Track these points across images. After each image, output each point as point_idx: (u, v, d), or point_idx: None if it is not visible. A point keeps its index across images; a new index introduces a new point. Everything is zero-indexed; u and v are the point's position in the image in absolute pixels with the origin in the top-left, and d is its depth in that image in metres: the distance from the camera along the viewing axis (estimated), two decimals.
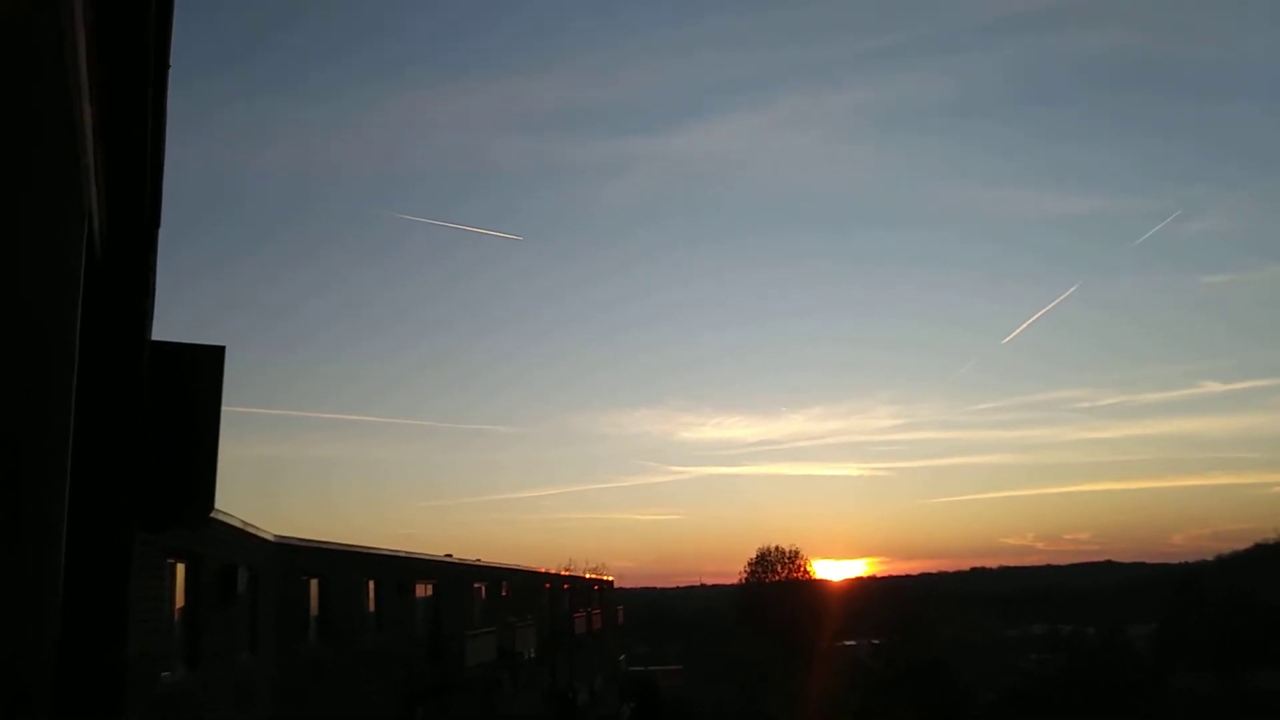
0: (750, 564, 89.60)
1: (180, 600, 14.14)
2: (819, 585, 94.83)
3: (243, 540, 16.66)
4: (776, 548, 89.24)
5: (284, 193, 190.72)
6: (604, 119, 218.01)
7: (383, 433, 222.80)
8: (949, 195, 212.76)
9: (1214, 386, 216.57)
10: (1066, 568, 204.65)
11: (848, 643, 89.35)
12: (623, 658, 66.74)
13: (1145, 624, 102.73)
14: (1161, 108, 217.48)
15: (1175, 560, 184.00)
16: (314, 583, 20.94)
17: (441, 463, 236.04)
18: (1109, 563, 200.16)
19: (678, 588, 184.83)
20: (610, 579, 70.09)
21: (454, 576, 31.42)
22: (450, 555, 32.93)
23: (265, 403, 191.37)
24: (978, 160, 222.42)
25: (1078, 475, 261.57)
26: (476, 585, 34.41)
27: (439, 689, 27.43)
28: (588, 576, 62.96)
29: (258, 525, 17.99)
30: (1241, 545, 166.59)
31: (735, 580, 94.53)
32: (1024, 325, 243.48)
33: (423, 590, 28.19)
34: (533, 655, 38.72)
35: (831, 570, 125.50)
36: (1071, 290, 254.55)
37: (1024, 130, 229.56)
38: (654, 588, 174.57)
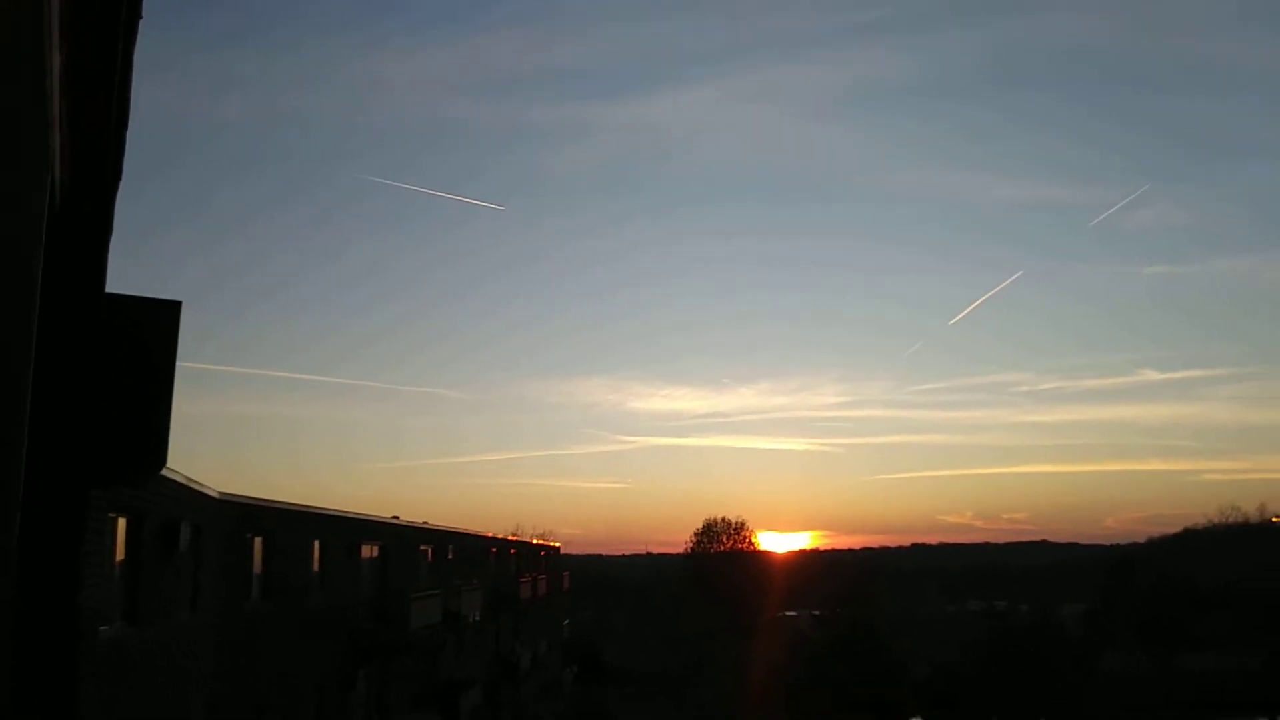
0: (696, 534, 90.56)
1: (120, 555, 13.95)
2: (763, 557, 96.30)
3: (186, 496, 16.46)
4: (722, 519, 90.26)
5: (246, 148, 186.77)
6: (567, 83, 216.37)
7: (337, 394, 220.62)
8: (905, 177, 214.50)
9: (1153, 375, 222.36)
10: (1003, 546, 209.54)
11: (789, 613, 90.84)
12: (566, 622, 67.24)
13: (1077, 603, 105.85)
14: (1117, 98, 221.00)
15: (1108, 542, 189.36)
16: (258, 541, 20.77)
17: (394, 426, 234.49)
18: (1044, 542, 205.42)
19: (624, 555, 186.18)
20: (557, 545, 70.47)
21: (400, 538, 31.35)
22: (397, 517, 32.84)
23: (222, 360, 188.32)
24: (934, 143, 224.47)
25: (1017, 457, 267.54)
26: (423, 548, 34.37)
27: (383, 650, 27.44)
28: (535, 542, 63.20)
29: (202, 482, 17.78)
30: (1172, 529, 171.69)
31: (681, 550, 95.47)
32: (970, 308, 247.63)
33: (369, 551, 28.10)
34: (478, 619, 38.84)
35: (776, 542, 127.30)
36: (1017, 275, 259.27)
37: (980, 115, 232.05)
38: (601, 555, 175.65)
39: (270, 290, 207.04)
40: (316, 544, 23.92)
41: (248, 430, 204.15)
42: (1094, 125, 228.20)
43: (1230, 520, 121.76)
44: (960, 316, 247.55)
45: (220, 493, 18.89)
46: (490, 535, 47.69)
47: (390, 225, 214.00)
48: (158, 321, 5.58)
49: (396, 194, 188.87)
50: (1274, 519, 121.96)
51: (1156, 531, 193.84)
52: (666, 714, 63.51)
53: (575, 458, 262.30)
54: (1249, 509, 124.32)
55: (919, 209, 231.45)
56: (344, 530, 26.03)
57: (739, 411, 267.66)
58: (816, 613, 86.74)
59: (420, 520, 35.97)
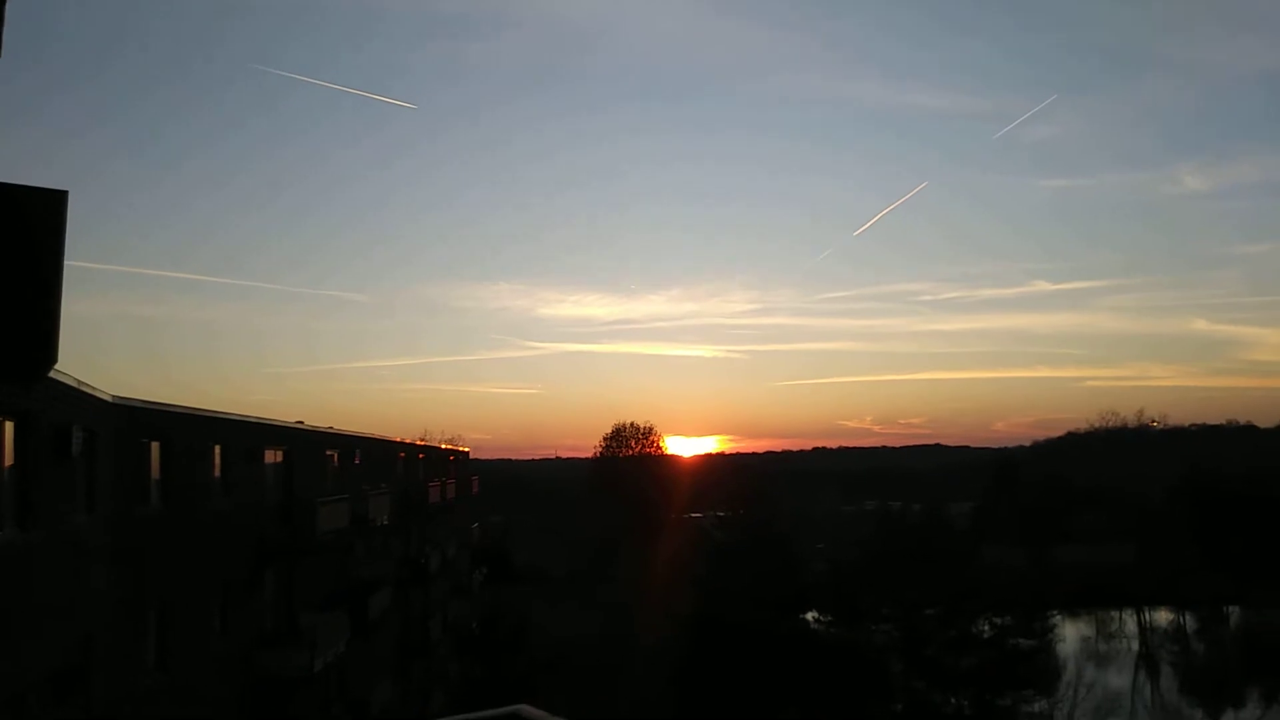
0: (605, 439, 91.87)
1: (9, 460, 13.56)
2: (670, 460, 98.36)
3: (78, 399, 15.97)
4: (631, 424, 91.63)
5: (150, 38, 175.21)
6: None
7: (238, 297, 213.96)
8: (813, 84, 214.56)
9: (1044, 285, 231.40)
10: (899, 449, 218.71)
11: (695, 514, 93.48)
12: (476, 525, 67.92)
13: (965, 502, 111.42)
14: (1023, 7, 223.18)
15: (996, 445, 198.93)
16: (155, 446, 20.34)
17: (299, 330, 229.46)
18: (938, 445, 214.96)
19: (533, 460, 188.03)
20: (466, 450, 70.63)
21: (305, 443, 31.04)
22: (302, 422, 32.45)
23: (118, 259, 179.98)
24: (843, 50, 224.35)
25: (914, 364, 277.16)
26: (329, 452, 34.11)
27: (288, 552, 27.42)
28: (443, 447, 63.23)
29: (95, 385, 17.26)
30: (1056, 433, 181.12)
31: (590, 454, 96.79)
32: (876, 218, 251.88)
33: (273, 456, 27.77)
34: (386, 523, 38.96)
35: (683, 446, 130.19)
36: (921, 187, 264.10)
37: (888, 24, 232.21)
38: (510, 459, 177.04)
39: (168, 189, 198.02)
40: (217, 449, 23.53)
41: (147, 334, 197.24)
42: (1005, 33, 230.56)
43: (1110, 424, 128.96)
44: (866, 226, 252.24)
45: (114, 396, 18.37)
46: (398, 440, 47.54)
47: (296, 122, 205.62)
48: (43, 211, 5.34)
49: (304, 89, 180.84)
50: (1151, 423, 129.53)
51: (1042, 435, 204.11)
52: (575, 612, 65.27)
53: (484, 363, 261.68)
54: (1128, 414, 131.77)
55: (830, 114, 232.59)
56: (246, 434, 25.63)
57: (649, 318, 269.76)
58: (721, 514, 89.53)
59: (326, 425, 35.63)
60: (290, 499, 28.21)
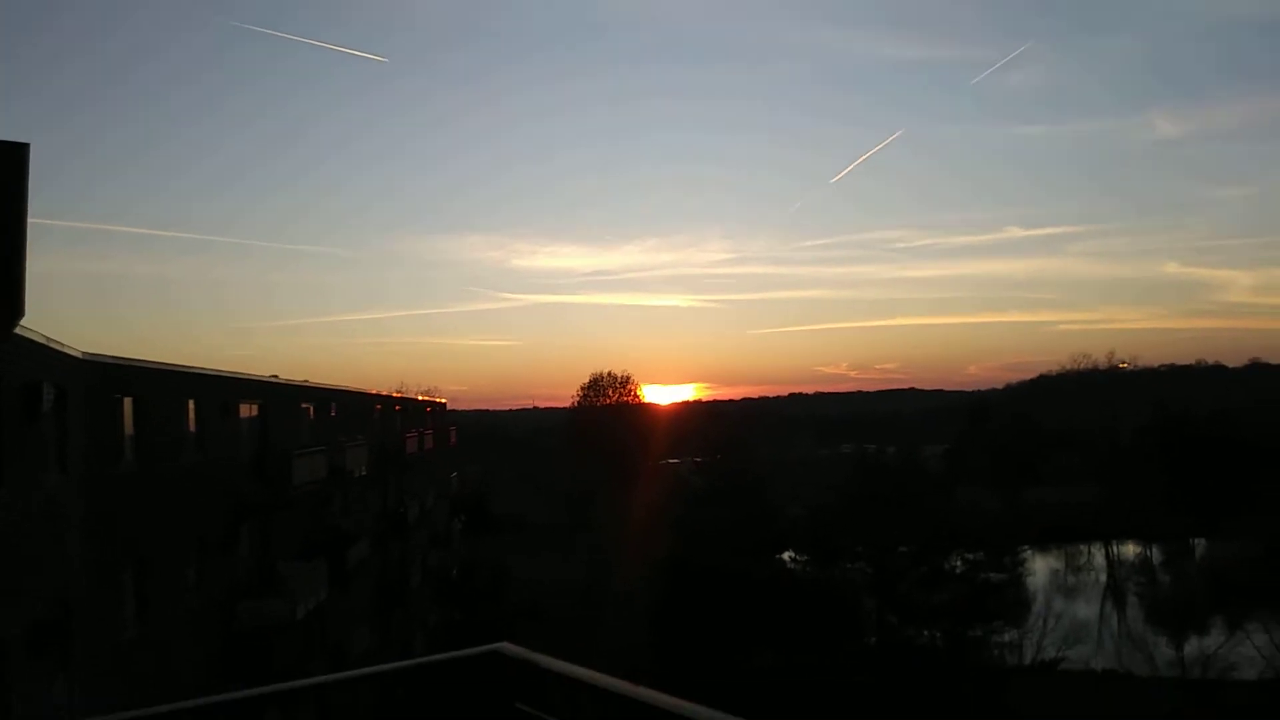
0: (582, 388, 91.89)
1: None
2: (648, 409, 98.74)
3: (46, 356, 15.82)
4: (608, 373, 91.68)
5: None
6: None
7: (208, 250, 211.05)
8: (788, 33, 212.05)
9: (1016, 231, 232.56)
10: (875, 394, 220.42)
11: (672, 461, 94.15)
12: (454, 475, 68.17)
13: (940, 445, 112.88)
14: None
15: (970, 388, 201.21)
16: (128, 402, 20.21)
17: (270, 283, 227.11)
18: (912, 390, 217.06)
19: (511, 410, 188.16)
20: (443, 401, 70.62)
21: (280, 397, 30.94)
22: (276, 376, 32.32)
23: (67, 215, 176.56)
24: (819, 1, 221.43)
25: (891, 310, 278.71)
26: (304, 405, 34.04)
27: (265, 506, 27.47)
28: (420, 398, 63.18)
29: (64, 342, 17.08)
30: (1028, 376, 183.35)
31: (568, 404, 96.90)
32: (850, 166, 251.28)
33: (247, 410, 27.69)
34: (363, 474, 39.04)
35: (660, 395, 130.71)
36: (896, 134, 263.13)
37: None
38: (488, 410, 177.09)
39: (119, 142, 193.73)
40: (191, 404, 23.42)
41: (103, 291, 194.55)
42: None
43: (1081, 367, 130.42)
44: (842, 174, 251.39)
45: (84, 353, 18.21)
46: (374, 393, 47.45)
47: (257, 73, 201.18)
48: (4, 163, 5.25)
49: (265, 40, 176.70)
50: (1121, 365, 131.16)
51: (1014, 378, 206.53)
52: (554, 560, 65.93)
53: (459, 316, 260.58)
54: (1099, 357, 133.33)
55: (805, 65, 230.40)
56: (219, 389, 25.51)
57: (625, 269, 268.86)
58: (698, 460, 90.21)
59: (301, 379, 35.49)
60: (266, 452, 28.20)
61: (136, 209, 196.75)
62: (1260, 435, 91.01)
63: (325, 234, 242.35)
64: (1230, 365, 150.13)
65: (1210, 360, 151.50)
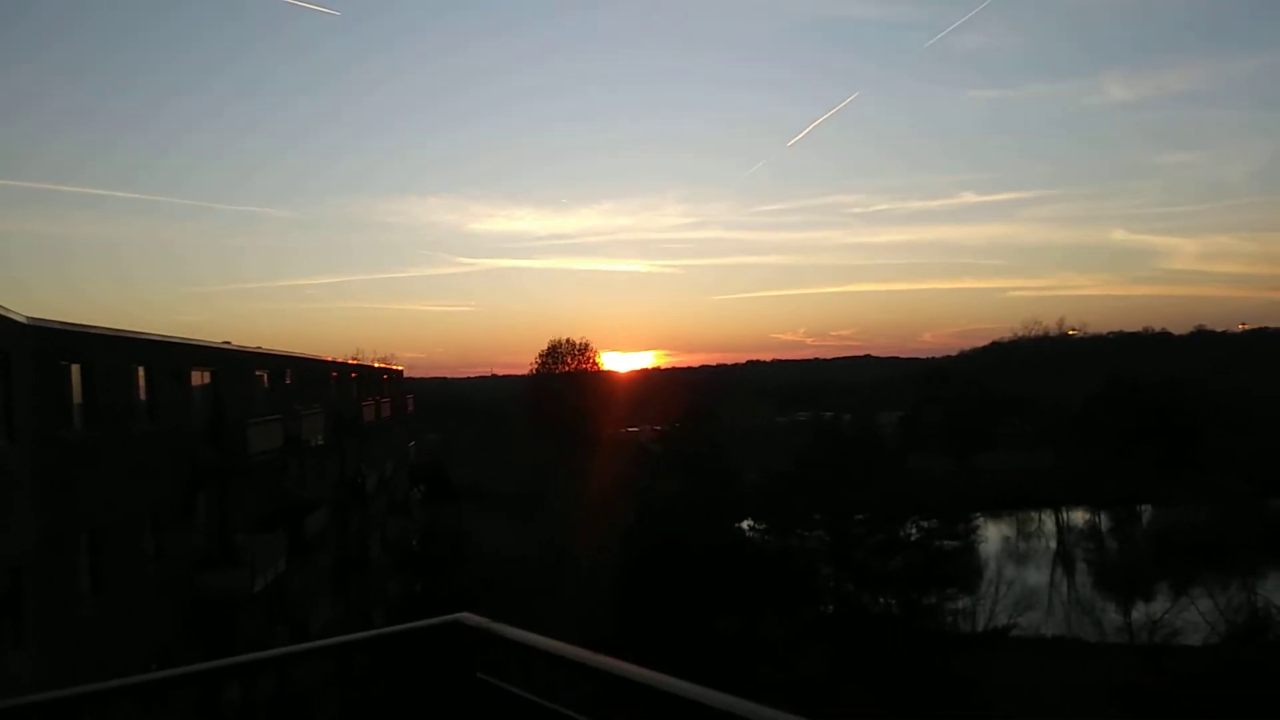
0: (541, 355, 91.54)
1: None
2: (607, 376, 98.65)
3: None
4: (567, 340, 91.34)
5: None
6: None
7: (159, 211, 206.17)
8: None
9: (971, 197, 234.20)
10: (831, 361, 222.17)
11: (632, 429, 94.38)
12: (412, 444, 67.79)
13: (895, 412, 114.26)
14: None
15: (925, 355, 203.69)
16: (75, 368, 19.77)
17: (223, 246, 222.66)
18: (868, 357, 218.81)
19: (469, 378, 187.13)
20: (399, 368, 70.02)
21: (233, 363, 30.47)
22: (229, 343, 31.79)
23: (31, 175, 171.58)
24: None
25: (846, 276, 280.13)
26: (259, 373, 33.55)
27: (220, 474, 27.11)
28: (376, 365, 62.59)
29: (9, 307, 16.62)
30: (981, 343, 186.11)
31: (526, 371, 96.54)
32: (808, 129, 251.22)
33: (200, 377, 27.22)
34: (320, 443, 38.66)
35: (619, 362, 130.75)
36: (852, 98, 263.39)
37: None
38: (445, 378, 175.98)
39: (79, 100, 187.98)
40: (141, 370, 22.97)
41: (51, 254, 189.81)
42: None
43: (1032, 333, 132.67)
44: (798, 138, 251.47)
45: (29, 318, 17.74)
46: (330, 360, 46.89)
47: (211, 28, 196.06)
48: None
49: None
50: (1071, 332, 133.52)
51: (968, 345, 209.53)
52: (514, 528, 65.86)
53: (414, 280, 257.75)
54: (1050, 323, 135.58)
55: (763, 24, 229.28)
56: (170, 355, 25.03)
57: (582, 233, 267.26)
58: (658, 428, 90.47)
59: (255, 345, 34.94)
60: (220, 420, 27.77)
61: (86, 168, 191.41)
62: (1204, 402, 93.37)
63: (280, 196, 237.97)
64: (1176, 332, 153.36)
65: (1157, 327, 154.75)
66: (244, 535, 28.08)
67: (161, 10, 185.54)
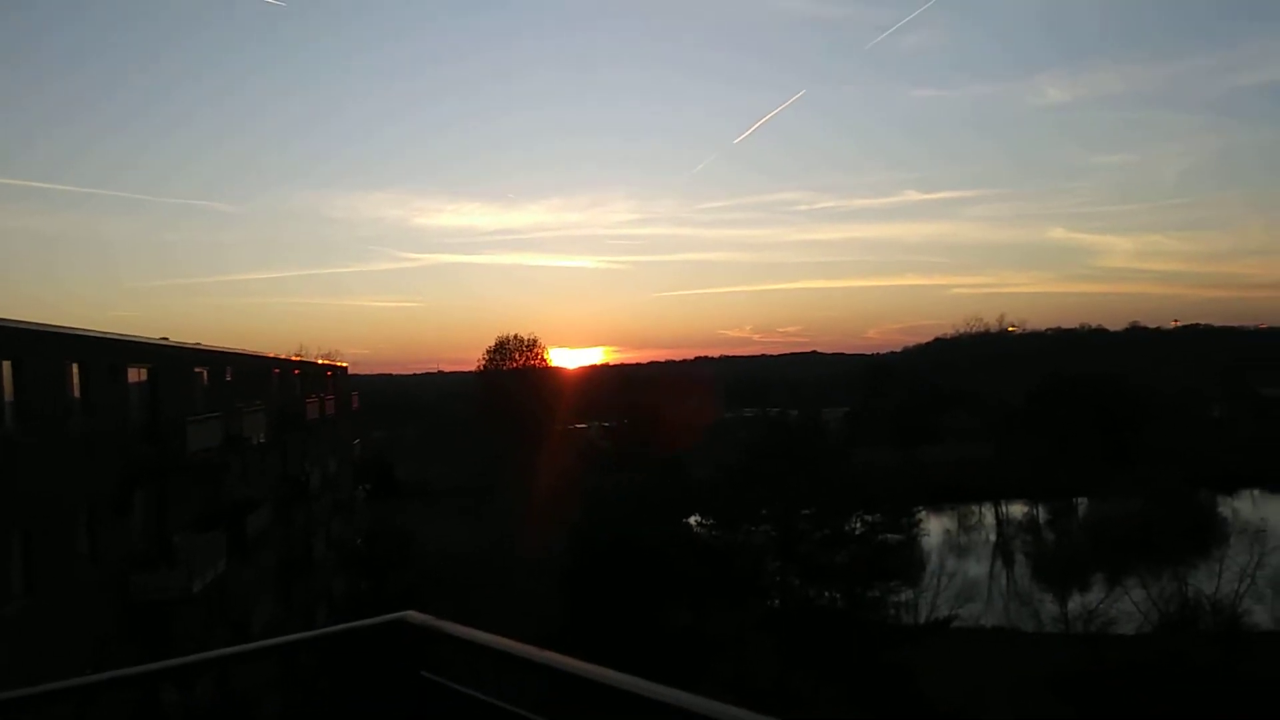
0: (489, 352, 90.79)
1: None
2: (555, 372, 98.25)
3: None
4: (515, 336, 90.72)
5: None
6: None
7: (93, 205, 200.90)
8: None
9: (915, 195, 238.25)
10: (778, 357, 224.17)
11: (580, 426, 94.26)
12: (357, 441, 66.97)
13: (841, 407, 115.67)
14: None
15: (870, 351, 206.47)
16: (5, 365, 19.21)
17: (160, 242, 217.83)
18: (814, 353, 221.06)
19: (415, 374, 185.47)
20: (344, 365, 69.14)
21: (172, 360, 29.81)
22: (167, 339, 31.10)
23: None
24: None
25: (791, 273, 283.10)
26: (198, 370, 32.87)
27: (158, 472, 26.52)
28: (320, 362, 61.73)
29: None
30: (925, 339, 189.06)
31: (474, 367, 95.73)
32: (753, 127, 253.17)
33: (136, 375, 26.59)
34: (263, 440, 37.99)
35: (567, 358, 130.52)
36: (799, 96, 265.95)
37: None
38: (391, 374, 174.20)
39: (5, 90, 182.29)
40: (75, 367, 22.37)
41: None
42: None
43: (974, 329, 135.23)
44: (745, 135, 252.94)
45: None
46: (272, 356, 46.10)
47: (149, 17, 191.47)
48: None
49: None
50: (1011, 328, 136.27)
51: (912, 341, 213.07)
52: (461, 526, 65.43)
53: (360, 275, 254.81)
54: (990, 320, 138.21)
55: (711, 21, 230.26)
56: (105, 352, 24.42)
57: (530, 229, 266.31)
58: (607, 424, 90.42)
59: (194, 341, 34.21)
60: (157, 418, 27.17)
61: (14, 160, 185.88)
62: (1139, 397, 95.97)
63: (221, 190, 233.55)
64: (1111, 329, 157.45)
65: (1093, 324, 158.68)
66: (183, 535, 27.50)
67: (107, 8, 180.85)
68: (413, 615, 7.51)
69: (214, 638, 28.29)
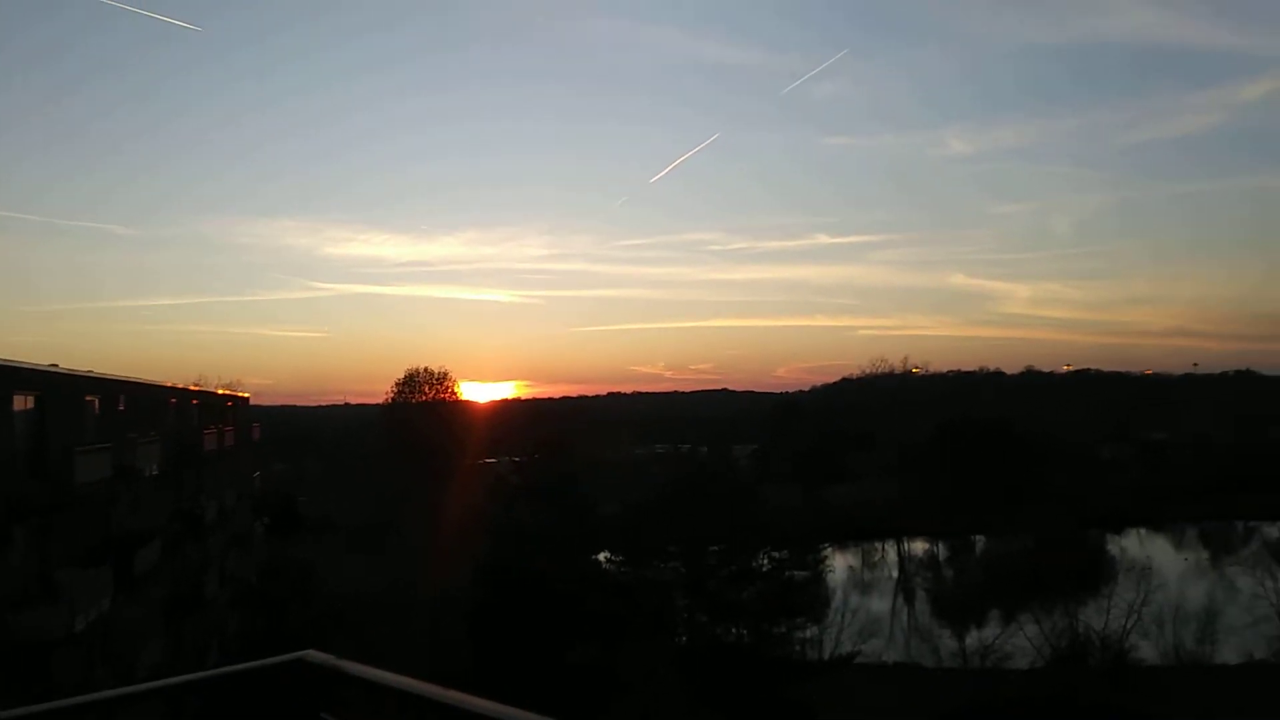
0: (397, 384, 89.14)
1: None
2: (466, 406, 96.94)
3: None
4: (425, 369, 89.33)
5: None
6: None
7: None
8: (614, 30, 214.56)
9: (824, 239, 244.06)
10: (690, 394, 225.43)
11: (490, 460, 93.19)
12: (257, 474, 64.99)
13: (750, 445, 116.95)
14: None
15: (779, 389, 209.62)
16: None
17: (59, 266, 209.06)
18: (725, 391, 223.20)
19: (321, 406, 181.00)
20: (245, 395, 67.20)
21: (60, 388, 28.57)
22: (56, 365, 29.83)
23: None
24: None
25: (705, 312, 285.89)
26: (89, 398, 31.56)
27: (41, 507, 25.29)
28: (220, 392, 59.85)
29: None
30: (832, 379, 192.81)
31: (381, 400, 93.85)
32: (670, 167, 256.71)
33: (22, 402, 25.39)
34: (156, 472, 36.58)
35: (479, 392, 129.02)
36: (714, 138, 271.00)
37: None
38: (295, 406, 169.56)
39: None
40: None
41: None
42: None
43: (879, 370, 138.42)
44: (661, 175, 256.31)
45: None
46: (169, 385, 44.56)
47: (67, 42, 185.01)
48: None
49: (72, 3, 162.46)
50: (914, 370, 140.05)
51: (820, 380, 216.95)
52: (365, 563, 63.77)
53: (267, 304, 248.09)
54: (895, 361, 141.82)
55: (629, 62, 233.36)
56: None
57: (443, 260, 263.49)
58: (517, 459, 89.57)
59: (86, 369, 32.86)
60: (43, 448, 25.95)
61: None
62: (1032, 439, 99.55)
63: (128, 214, 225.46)
64: (1008, 372, 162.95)
65: (991, 367, 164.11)
66: (66, 571, 26.21)
67: (13, 23, 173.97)
68: (313, 654, 7.33)
69: (97, 679, 26.94)
